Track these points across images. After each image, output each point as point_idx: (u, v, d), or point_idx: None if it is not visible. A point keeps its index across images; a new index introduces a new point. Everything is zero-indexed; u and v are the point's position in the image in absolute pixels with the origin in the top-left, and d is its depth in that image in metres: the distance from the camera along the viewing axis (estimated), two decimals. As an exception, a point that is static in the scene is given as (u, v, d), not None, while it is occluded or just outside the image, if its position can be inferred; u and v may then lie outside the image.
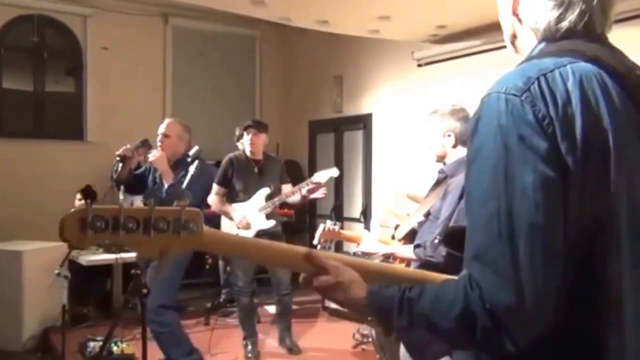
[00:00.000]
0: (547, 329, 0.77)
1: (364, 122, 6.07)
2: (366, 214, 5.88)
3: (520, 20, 0.93)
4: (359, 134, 6.17)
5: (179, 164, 3.29)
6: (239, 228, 3.86)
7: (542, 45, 0.89)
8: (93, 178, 5.55)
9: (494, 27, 4.58)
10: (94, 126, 6.24)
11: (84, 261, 4.70)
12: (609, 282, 0.79)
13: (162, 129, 3.37)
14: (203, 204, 3.48)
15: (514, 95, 0.79)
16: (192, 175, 2.94)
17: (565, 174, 0.77)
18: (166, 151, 3.32)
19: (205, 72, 6.78)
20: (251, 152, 3.97)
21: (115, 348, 3.83)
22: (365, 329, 4.10)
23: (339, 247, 4.94)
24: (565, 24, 0.87)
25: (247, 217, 3.90)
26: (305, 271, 0.94)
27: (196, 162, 3.10)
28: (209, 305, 5.01)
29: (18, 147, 5.88)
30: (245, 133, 4.01)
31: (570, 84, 0.80)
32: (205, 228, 0.90)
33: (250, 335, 4.10)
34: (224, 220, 4.09)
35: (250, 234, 3.84)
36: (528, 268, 0.75)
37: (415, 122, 5.01)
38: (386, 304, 0.86)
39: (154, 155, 3.23)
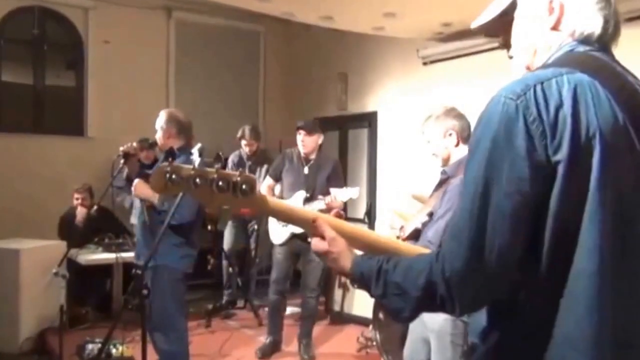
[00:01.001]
0: (496, 301, 0.92)
1: (368, 121, 5.99)
2: (370, 214, 5.79)
3: (560, 32, 1.02)
4: (364, 133, 6.09)
5: (172, 155, 3.22)
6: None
7: (561, 53, 1.00)
8: (93, 175, 5.48)
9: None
10: (95, 122, 6.16)
11: (83, 260, 4.64)
12: (578, 273, 0.88)
13: (157, 122, 3.32)
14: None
15: (511, 99, 0.91)
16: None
17: (550, 168, 0.87)
18: (160, 144, 3.29)
19: (208, 67, 6.70)
20: (304, 152, 4.02)
21: (114, 350, 3.77)
22: (370, 333, 4.04)
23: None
24: (610, 29, 0.99)
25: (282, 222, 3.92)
26: (311, 234, 1.14)
27: (199, 159, 3.01)
28: (210, 307, 4.96)
29: (17, 142, 5.81)
30: (297, 134, 4.05)
31: (564, 91, 0.90)
32: (259, 193, 1.14)
33: (271, 333, 4.15)
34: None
35: (285, 235, 3.93)
36: (487, 246, 0.88)
37: (420, 121, 4.92)
38: (366, 273, 1.03)
39: (134, 186, 3.15)
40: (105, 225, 4.89)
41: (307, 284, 4.06)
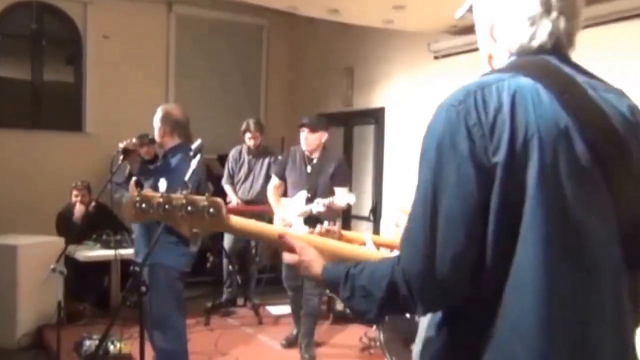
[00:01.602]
0: (453, 298, 0.96)
1: (375, 117, 5.91)
2: (376, 212, 5.72)
3: (496, 41, 1.09)
4: (370, 129, 6.01)
5: (167, 154, 3.18)
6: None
7: (513, 58, 1.06)
8: (91, 171, 5.44)
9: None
10: (93, 117, 6.12)
11: (81, 257, 4.61)
12: (519, 265, 0.92)
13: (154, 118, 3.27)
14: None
15: (453, 106, 0.97)
16: (194, 171, 2.81)
17: (491, 169, 0.92)
18: (158, 142, 3.24)
19: (209, 62, 6.66)
20: (307, 150, 3.98)
21: (112, 347, 3.75)
22: (373, 333, 4.00)
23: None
24: (536, 42, 1.03)
25: (286, 220, 3.94)
26: (281, 248, 1.21)
27: (198, 156, 2.97)
28: (209, 304, 4.92)
29: (14, 138, 5.77)
30: (300, 131, 4.00)
31: (504, 96, 0.95)
32: (226, 214, 1.19)
33: (296, 324, 4.25)
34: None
35: None
36: (442, 246, 0.92)
37: (430, 117, 4.88)
38: (335, 278, 1.08)
39: (131, 184, 3.12)
40: (103, 222, 4.86)
41: (308, 283, 4.02)
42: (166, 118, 3.20)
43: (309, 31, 6.71)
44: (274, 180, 4.17)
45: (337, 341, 4.40)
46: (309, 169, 3.96)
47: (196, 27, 6.60)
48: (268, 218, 4.81)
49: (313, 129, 3.91)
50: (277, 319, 4.97)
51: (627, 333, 0.99)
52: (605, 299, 0.96)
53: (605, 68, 4.28)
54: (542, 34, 1.03)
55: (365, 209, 5.83)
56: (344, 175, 4.01)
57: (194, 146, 2.94)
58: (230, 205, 5.20)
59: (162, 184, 1.64)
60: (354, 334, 4.29)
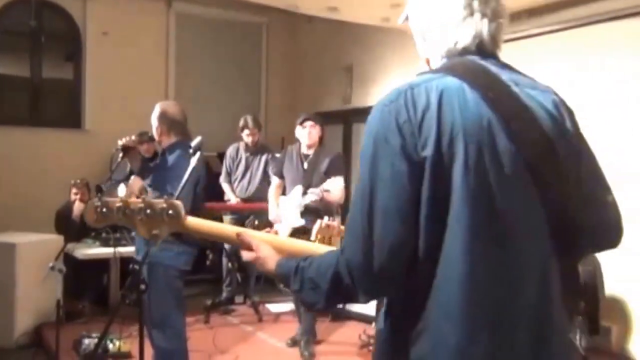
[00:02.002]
0: (393, 287, 1.02)
1: (374, 114, 5.93)
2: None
3: (429, 46, 1.17)
4: (369, 127, 6.04)
5: (166, 152, 3.17)
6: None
7: (444, 61, 1.13)
8: (90, 168, 5.43)
9: (514, 17, 4.50)
10: (92, 114, 6.11)
11: (80, 255, 4.60)
12: (448, 253, 0.98)
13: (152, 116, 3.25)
14: (198, 199, 3.30)
15: (386, 105, 1.03)
16: (194, 169, 2.80)
17: (421, 163, 0.98)
18: (159, 141, 3.22)
19: (208, 60, 6.65)
20: (309, 143, 4.05)
21: (111, 345, 3.75)
22: (372, 330, 3.99)
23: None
24: (461, 44, 1.11)
25: (282, 217, 3.99)
26: (241, 247, 1.26)
27: (198, 153, 2.95)
28: (209, 302, 4.91)
29: (13, 135, 5.75)
30: (301, 127, 4.07)
31: (432, 95, 1.01)
32: (184, 215, 1.27)
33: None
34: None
35: (285, 231, 3.94)
36: (378, 238, 0.98)
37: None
38: (287, 272, 1.13)
39: (130, 182, 3.15)
40: (102, 220, 4.85)
41: None
42: (163, 116, 3.18)
43: (308, 29, 6.71)
44: (275, 181, 4.24)
45: (336, 338, 4.39)
46: (305, 165, 4.03)
47: (196, 25, 6.59)
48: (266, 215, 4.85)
49: (315, 123, 4.04)
50: (276, 316, 4.97)
51: (551, 317, 1.04)
52: (528, 286, 1.02)
53: (600, 66, 4.27)
54: (465, 37, 1.10)
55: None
56: (338, 166, 4.03)
57: (193, 143, 2.93)
58: (229, 204, 5.20)
59: (121, 188, 1.72)
60: (353, 332, 4.29)
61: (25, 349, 4.06)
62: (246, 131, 5.07)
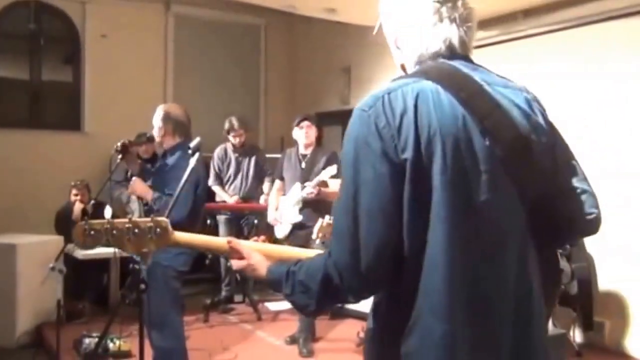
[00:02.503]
0: (381, 286, 1.06)
1: (372, 115, 5.96)
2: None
3: (402, 52, 1.21)
4: (367, 127, 6.07)
5: (167, 153, 3.18)
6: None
7: (417, 66, 1.16)
8: (90, 169, 5.47)
9: (510, 18, 4.53)
10: (92, 117, 6.13)
11: (80, 255, 4.61)
12: (431, 249, 1.02)
13: (154, 118, 3.26)
14: (199, 199, 3.31)
15: (364, 111, 1.06)
16: (193, 170, 2.82)
17: (402, 165, 1.01)
18: (160, 142, 3.24)
19: (207, 62, 6.66)
20: (307, 143, 4.16)
21: (111, 345, 3.76)
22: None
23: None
24: (431, 49, 1.15)
25: (282, 216, 4.09)
26: (230, 256, 1.28)
27: (197, 154, 2.98)
28: (208, 301, 4.93)
29: (13, 137, 5.77)
30: (298, 127, 4.17)
31: (408, 99, 1.05)
32: (171, 231, 1.31)
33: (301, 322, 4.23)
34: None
35: (285, 228, 4.06)
36: (363, 240, 1.02)
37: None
38: (278, 277, 1.15)
39: (131, 184, 3.13)
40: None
41: None
42: (167, 117, 3.20)
43: (307, 31, 6.72)
44: (276, 184, 4.33)
45: (334, 336, 4.42)
46: (303, 164, 4.13)
47: (194, 27, 6.62)
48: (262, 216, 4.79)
49: (312, 123, 4.15)
50: (275, 315, 4.99)
51: (531, 306, 1.09)
52: (509, 278, 1.06)
53: (599, 66, 4.28)
54: (436, 42, 1.14)
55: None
56: (333, 161, 4.06)
57: (192, 144, 2.95)
58: (228, 204, 5.19)
59: (107, 211, 1.74)
60: (351, 329, 4.31)
61: (27, 348, 4.06)
62: (232, 133, 5.04)
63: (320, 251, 1.28)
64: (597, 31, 4.07)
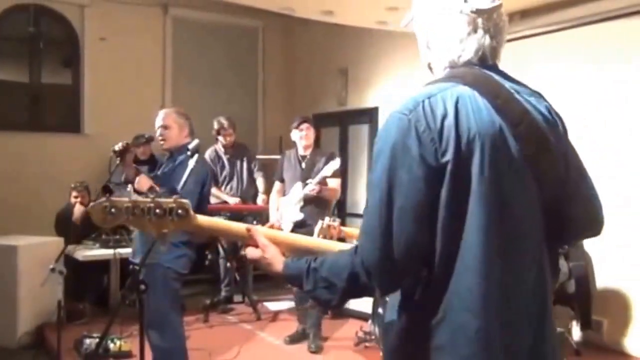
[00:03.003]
0: (409, 282, 1.09)
1: (369, 116, 5.98)
2: (370, 210, 5.78)
3: (432, 53, 1.23)
4: (365, 128, 6.09)
5: (175, 153, 3.19)
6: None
7: (447, 70, 1.19)
8: (90, 171, 5.49)
9: (509, 19, 4.55)
10: (91, 119, 6.16)
11: (80, 256, 4.63)
12: (466, 246, 1.06)
13: (160, 121, 3.25)
14: (204, 199, 3.35)
15: (404, 114, 1.09)
16: (192, 170, 2.84)
17: (440, 168, 1.05)
18: (169, 142, 3.21)
19: (206, 64, 6.70)
20: (306, 144, 4.21)
21: (111, 345, 3.78)
22: (369, 327, 4.05)
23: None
24: (464, 58, 1.18)
25: (283, 216, 4.12)
26: (247, 243, 1.29)
27: (196, 156, 3.01)
28: (208, 302, 4.95)
29: (13, 139, 5.81)
30: (298, 130, 4.21)
31: (449, 103, 1.08)
32: (193, 214, 1.26)
33: (300, 322, 4.29)
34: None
35: (287, 226, 4.07)
36: (397, 235, 1.05)
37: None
38: (296, 273, 1.18)
39: (137, 182, 3.12)
40: (102, 222, 4.89)
41: None
42: (181, 114, 3.22)
43: (304, 33, 6.75)
44: (276, 186, 4.38)
45: (334, 335, 4.43)
46: (303, 165, 4.19)
47: (192, 30, 6.65)
48: (266, 215, 4.88)
49: (310, 125, 4.23)
50: (275, 314, 5.01)
51: (546, 299, 1.15)
52: (530, 273, 1.12)
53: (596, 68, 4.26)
54: (469, 51, 1.18)
55: (360, 206, 5.88)
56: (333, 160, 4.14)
57: (191, 146, 2.97)
58: (228, 205, 5.21)
59: (130, 190, 1.68)
60: (350, 328, 4.35)
61: (28, 349, 4.09)
62: (222, 132, 5.07)
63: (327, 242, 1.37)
64: (597, 31, 4.07)
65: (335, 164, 3.96)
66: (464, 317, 1.06)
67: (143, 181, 3.10)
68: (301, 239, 1.36)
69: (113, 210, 1.21)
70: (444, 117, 1.07)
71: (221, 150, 5.20)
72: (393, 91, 5.66)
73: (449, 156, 1.05)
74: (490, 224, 1.06)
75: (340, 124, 6.35)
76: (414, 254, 1.06)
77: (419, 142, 1.06)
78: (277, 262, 1.23)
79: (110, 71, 6.13)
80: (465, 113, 1.08)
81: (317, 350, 4.05)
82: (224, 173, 5.23)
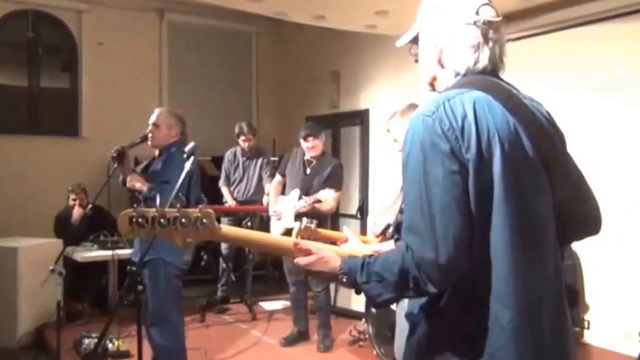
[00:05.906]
0: (460, 275, 1.11)
1: (361, 118, 6.04)
2: (363, 211, 5.86)
3: (443, 66, 1.28)
4: (356, 130, 6.15)
5: (163, 152, 3.22)
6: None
7: (459, 77, 1.26)
8: (88, 174, 5.54)
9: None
10: (89, 122, 6.22)
11: (79, 258, 4.66)
12: (494, 240, 1.12)
13: (152, 118, 3.31)
14: (192, 190, 3.38)
15: (428, 116, 1.15)
16: (188, 172, 2.90)
17: (466, 164, 1.11)
18: (156, 141, 3.23)
19: (201, 68, 6.76)
20: (313, 155, 4.14)
21: (110, 345, 3.81)
22: (362, 326, 4.10)
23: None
24: (479, 66, 1.25)
25: (283, 215, 4.09)
26: (294, 255, 1.31)
27: (192, 158, 3.06)
28: (204, 302, 5.00)
29: (12, 143, 5.87)
30: (304, 141, 4.14)
31: (467, 105, 1.15)
32: (217, 224, 1.25)
33: (295, 324, 4.28)
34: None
35: (280, 229, 4.07)
36: (442, 233, 1.09)
37: (408, 127, 4.95)
38: (353, 267, 1.22)
39: (129, 180, 3.16)
40: (100, 223, 4.94)
41: (312, 280, 4.10)
42: (170, 112, 3.25)
43: (297, 37, 6.80)
44: (277, 177, 4.37)
45: (334, 335, 4.37)
46: (307, 170, 4.14)
47: (188, 34, 6.71)
48: (260, 216, 4.99)
49: (316, 135, 4.10)
50: (270, 314, 5.05)
51: (563, 292, 1.22)
52: (549, 265, 1.18)
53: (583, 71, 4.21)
54: (483, 59, 1.25)
55: (353, 207, 5.96)
56: (336, 179, 4.11)
57: (187, 148, 3.02)
58: (226, 206, 5.30)
59: (157, 199, 1.68)
60: (344, 327, 4.38)
61: (27, 349, 4.13)
62: (242, 137, 5.20)
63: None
64: (597, 31, 4.04)
65: (329, 192, 3.83)
66: (497, 309, 1.11)
67: (135, 178, 3.13)
68: (337, 248, 1.40)
69: (140, 220, 1.21)
70: (464, 116, 1.13)
71: (239, 153, 5.32)
72: (383, 94, 5.74)
73: (471, 153, 1.11)
74: (513, 219, 1.11)
75: (333, 126, 6.42)
76: (463, 248, 1.09)
77: (447, 140, 1.11)
78: (335, 259, 1.27)
79: (107, 75, 6.20)
80: (483, 114, 1.14)
81: (326, 350, 4.06)
82: (237, 175, 5.34)
